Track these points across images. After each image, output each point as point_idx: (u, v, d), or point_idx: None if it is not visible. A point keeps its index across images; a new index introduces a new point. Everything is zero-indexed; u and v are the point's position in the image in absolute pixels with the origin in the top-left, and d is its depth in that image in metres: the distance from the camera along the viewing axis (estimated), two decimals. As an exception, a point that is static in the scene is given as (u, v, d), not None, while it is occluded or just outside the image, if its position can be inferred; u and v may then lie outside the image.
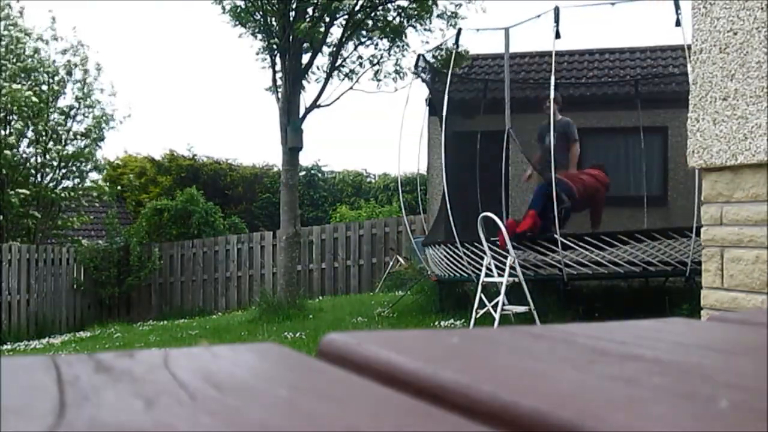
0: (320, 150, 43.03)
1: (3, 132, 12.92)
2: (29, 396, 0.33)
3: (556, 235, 6.83)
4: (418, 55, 9.31)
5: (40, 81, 13.34)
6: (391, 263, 11.72)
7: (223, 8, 9.70)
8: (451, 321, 7.15)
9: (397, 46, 10.03)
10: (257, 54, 9.94)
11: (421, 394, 0.34)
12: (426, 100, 10.48)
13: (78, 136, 13.81)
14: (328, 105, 9.82)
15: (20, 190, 12.55)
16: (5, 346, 10.18)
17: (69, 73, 13.77)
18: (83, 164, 14.00)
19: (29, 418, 0.29)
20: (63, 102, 13.86)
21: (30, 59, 13.44)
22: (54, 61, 13.70)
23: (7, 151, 12.50)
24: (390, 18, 9.79)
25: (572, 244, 6.87)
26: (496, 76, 11.13)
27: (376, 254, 12.67)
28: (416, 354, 0.40)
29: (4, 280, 11.70)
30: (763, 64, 2.57)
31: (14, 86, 12.53)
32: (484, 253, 6.51)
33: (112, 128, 14.26)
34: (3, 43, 12.97)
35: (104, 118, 14.06)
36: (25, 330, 11.83)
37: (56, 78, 13.61)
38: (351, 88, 10.05)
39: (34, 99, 12.65)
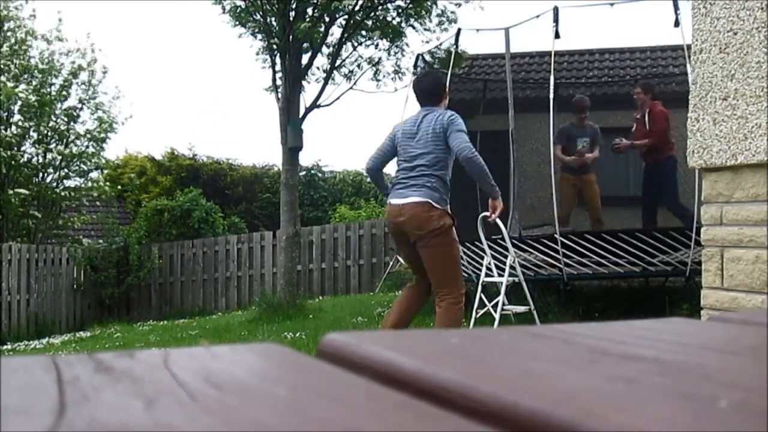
0: (320, 150, 43.05)
1: (3, 132, 12.91)
2: (29, 396, 0.33)
3: (556, 235, 6.84)
4: (417, 55, 9.30)
5: (44, 82, 13.32)
6: (391, 263, 11.72)
7: (223, 8, 9.70)
8: (451, 321, 7.13)
9: (397, 46, 10.03)
10: (257, 54, 9.94)
11: (421, 394, 0.34)
12: (426, 100, 10.46)
13: (81, 137, 13.80)
14: (328, 105, 9.81)
15: (19, 190, 12.53)
16: (5, 346, 10.16)
17: (74, 75, 13.75)
18: (85, 164, 14.00)
19: (29, 418, 0.29)
20: (67, 102, 13.86)
21: (34, 59, 13.43)
22: (59, 62, 13.68)
23: (5, 152, 12.47)
24: (390, 18, 9.79)
25: (573, 244, 6.87)
26: (495, 76, 11.13)
27: (376, 254, 12.66)
28: (416, 354, 0.40)
29: (4, 280, 11.69)
30: (763, 64, 2.57)
31: (10, 84, 12.50)
32: (484, 252, 6.51)
33: (115, 131, 14.26)
34: (8, 43, 12.95)
35: (108, 121, 14.04)
36: (25, 330, 11.83)
37: (61, 79, 13.59)
38: (351, 88, 10.05)
39: (31, 98, 12.63)
